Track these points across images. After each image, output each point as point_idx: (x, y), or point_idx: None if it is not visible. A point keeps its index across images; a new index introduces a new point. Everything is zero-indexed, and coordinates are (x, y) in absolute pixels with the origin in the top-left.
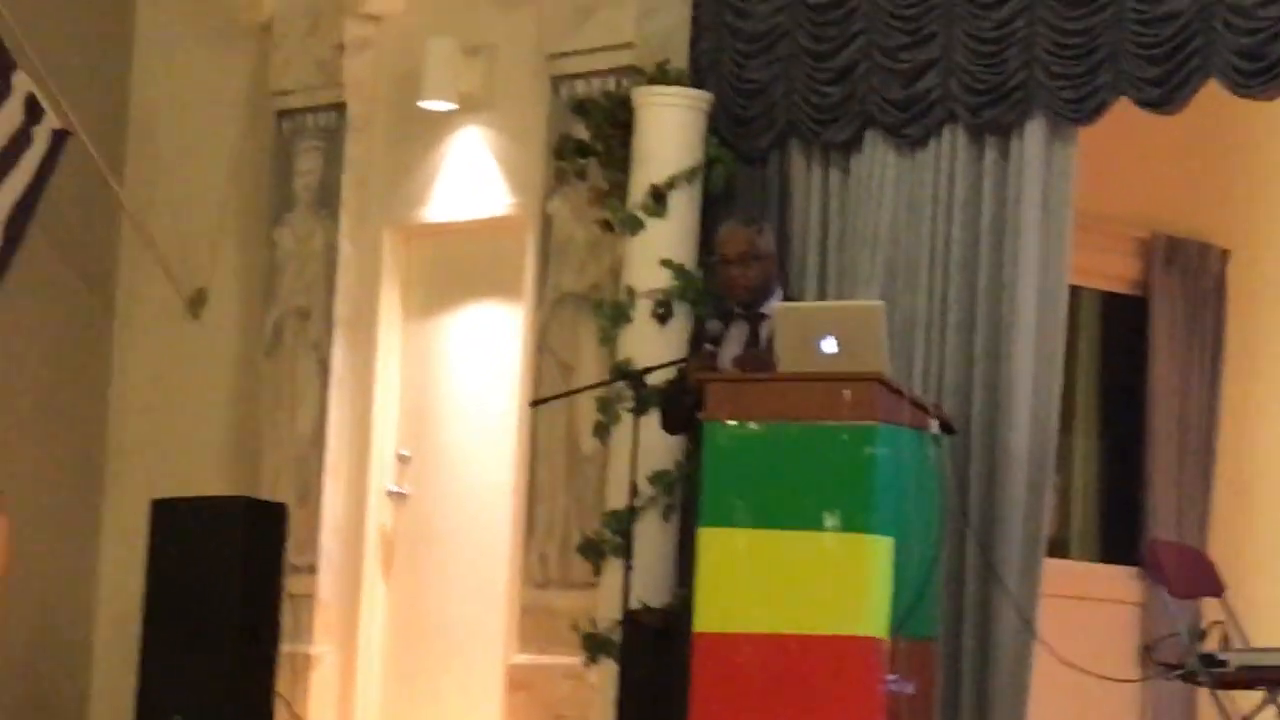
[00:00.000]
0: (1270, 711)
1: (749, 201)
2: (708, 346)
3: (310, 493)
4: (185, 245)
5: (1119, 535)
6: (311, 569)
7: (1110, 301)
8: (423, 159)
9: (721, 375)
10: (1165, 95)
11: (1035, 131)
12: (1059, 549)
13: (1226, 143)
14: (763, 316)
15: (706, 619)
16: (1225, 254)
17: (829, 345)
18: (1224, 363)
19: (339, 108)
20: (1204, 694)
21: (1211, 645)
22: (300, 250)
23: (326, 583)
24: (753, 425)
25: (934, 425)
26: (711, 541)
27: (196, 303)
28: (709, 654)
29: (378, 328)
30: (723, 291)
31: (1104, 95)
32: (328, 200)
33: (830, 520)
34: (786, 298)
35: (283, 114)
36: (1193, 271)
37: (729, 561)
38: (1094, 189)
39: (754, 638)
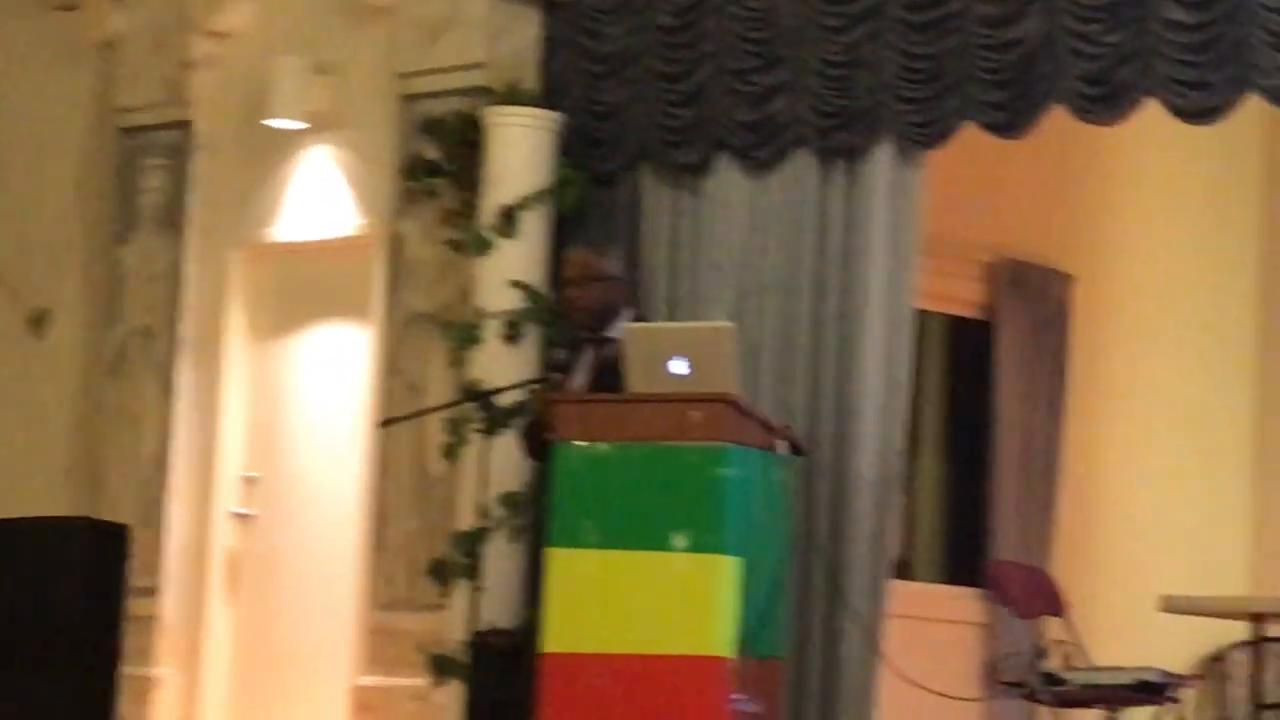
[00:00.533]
0: None
1: (600, 223)
2: (555, 375)
3: (154, 514)
4: (27, 264)
5: (963, 557)
6: (155, 591)
7: (956, 326)
8: (270, 178)
9: (570, 396)
10: (1011, 120)
11: (883, 155)
12: (905, 570)
13: (1071, 168)
14: (609, 340)
15: (555, 639)
16: (1070, 279)
17: (678, 366)
18: (1068, 386)
19: (185, 125)
20: (1046, 713)
21: (1053, 664)
22: (145, 269)
23: (170, 605)
24: (602, 446)
25: (783, 446)
26: (560, 562)
27: (38, 322)
28: (557, 674)
29: (224, 348)
30: (563, 314)
31: (951, 120)
32: (173, 219)
33: (679, 541)
34: (638, 320)
35: (128, 131)
36: (1037, 296)
37: (577, 582)
38: (941, 213)
39: (602, 658)
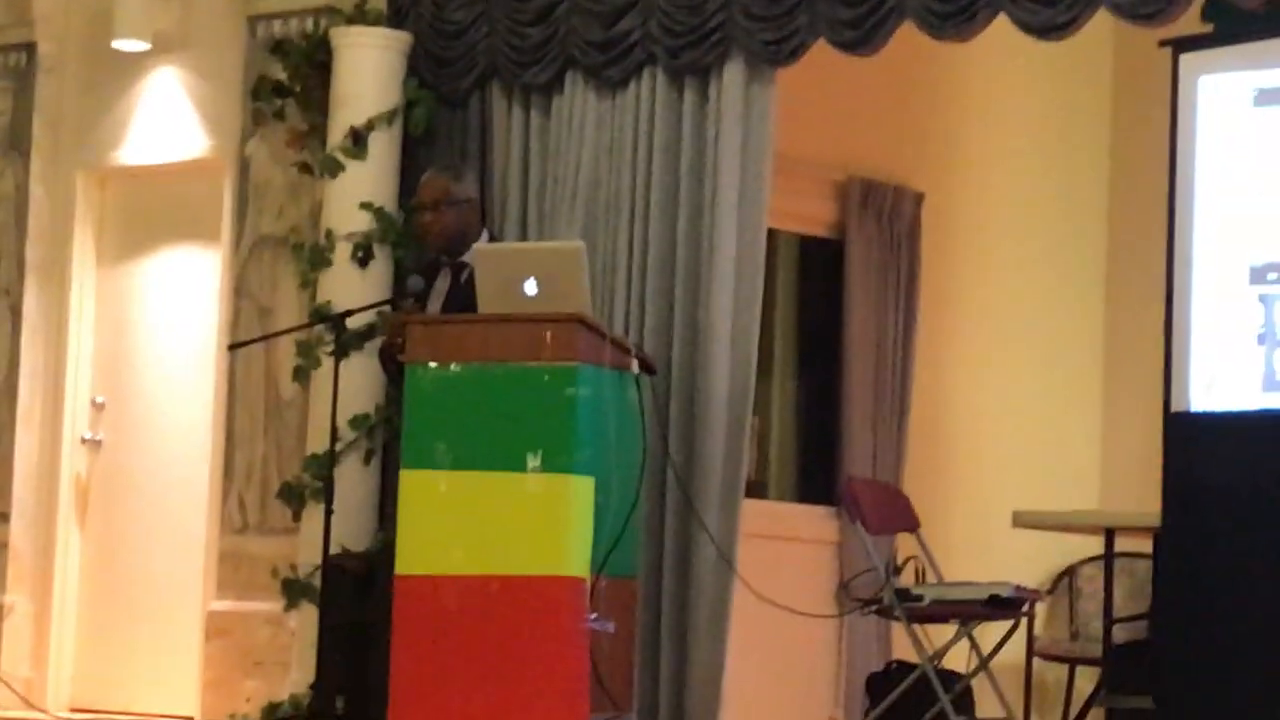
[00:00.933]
0: (963, 645)
1: (449, 144)
2: (410, 303)
3: (2, 440)
4: None
5: (816, 476)
6: (4, 517)
7: (807, 245)
8: (117, 100)
9: (422, 318)
10: (862, 37)
11: (734, 74)
12: (757, 490)
13: (921, 86)
14: (465, 265)
15: (408, 561)
16: (920, 197)
17: (530, 287)
18: (918, 303)
19: (29, 47)
20: (899, 628)
21: (906, 580)
22: None
23: (19, 531)
24: (454, 367)
25: (635, 366)
26: (413, 484)
27: None
28: (410, 596)
29: (71, 272)
30: (417, 238)
31: (802, 37)
32: (18, 142)
33: (532, 461)
34: (493, 242)
35: None
36: (888, 215)
37: (430, 504)
38: (792, 132)
39: (456, 580)
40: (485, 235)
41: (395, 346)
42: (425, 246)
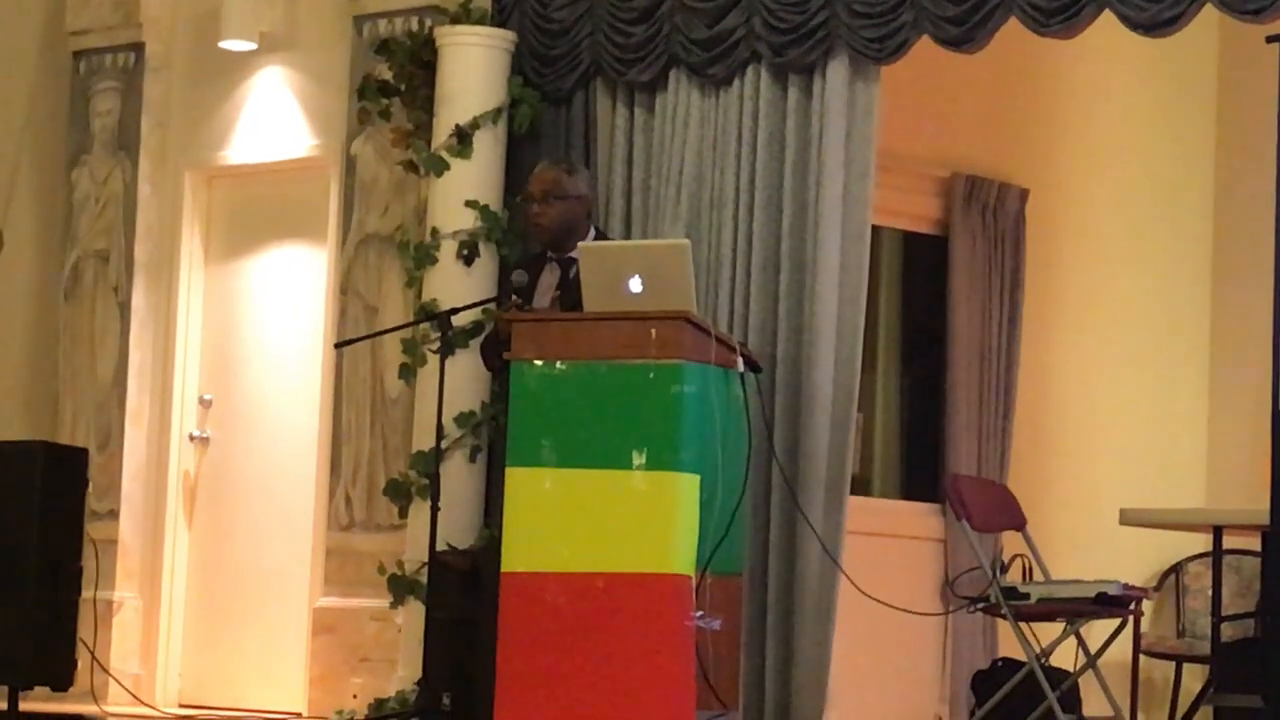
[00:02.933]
0: (1070, 643)
1: (554, 142)
2: (515, 299)
3: (111, 437)
4: None
5: (921, 472)
6: (113, 514)
7: (912, 241)
8: (224, 100)
9: (527, 315)
10: (965, 34)
11: (838, 71)
12: (862, 487)
13: (1026, 82)
14: (573, 261)
15: (514, 559)
16: (1024, 193)
17: (635, 284)
18: (1022, 300)
19: (137, 48)
20: (1005, 626)
21: (1013, 578)
22: (99, 192)
23: (128, 528)
24: (559, 365)
25: (741, 363)
26: (519, 481)
27: None
28: (517, 594)
29: (179, 270)
30: (525, 230)
31: (905, 34)
32: (126, 142)
33: (637, 459)
34: (600, 239)
35: (80, 54)
36: (992, 211)
37: (536, 501)
38: (896, 129)
39: (562, 577)
40: (593, 233)
41: (500, 339)
42: (532, 238)
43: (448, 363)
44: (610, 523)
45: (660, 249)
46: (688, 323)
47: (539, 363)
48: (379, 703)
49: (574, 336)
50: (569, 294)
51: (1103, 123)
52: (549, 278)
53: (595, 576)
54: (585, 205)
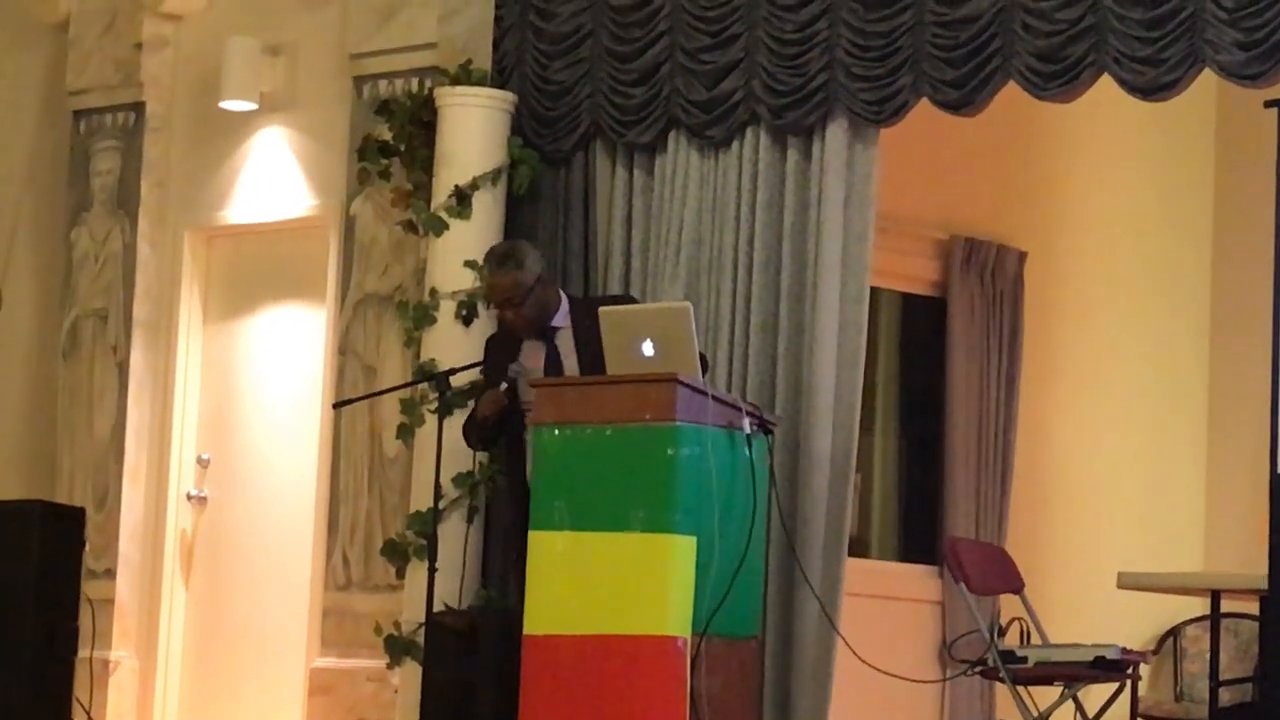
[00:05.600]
0: (1067, 706)
1: (553, 203)
2: (504, 386)
3: (109, 497)
4: None
5: (919, 534)
6: (110, 574)
7: (910, 303)
8: (223, 160)
9: (549, 381)
10: (964, 97)
11: (837, 133)
12: (860, 548)
13: (1024, 145)
14: (555, 329)
15: (533, 621)
16: (1023, 256)
17: (647, 348)
18: (1020, 363)
19: (138, 107)
20: (1003, 689)
21: (1010, 641)
22: (98, 251)
23: (125, 588)
24: (570, 428)
25: (747, 425)
26: (538, 544)
27: None
28: (535, 657)
29: (177, 330)
30: (508, 330)
31: (904, 97)
32: (126, 201)
33: (636, 521)
34: (587, 294)
35: (80, 113)
36: (990, 273)
37: (551, 563)
38: (894, 191)
39: (573, 639)
40: (563, 297)
41: (485, 421)
42: (518, 334)
43: (446, 423)
44: (612, 584)
45: (665, 312)
46: (680, 384)
47: (554, 426)
48: None
49: (584, 401)
50: (555, 360)
51: (1101, 185)
52: (533, 350)
53: (598, 639)
54: (547, 283)
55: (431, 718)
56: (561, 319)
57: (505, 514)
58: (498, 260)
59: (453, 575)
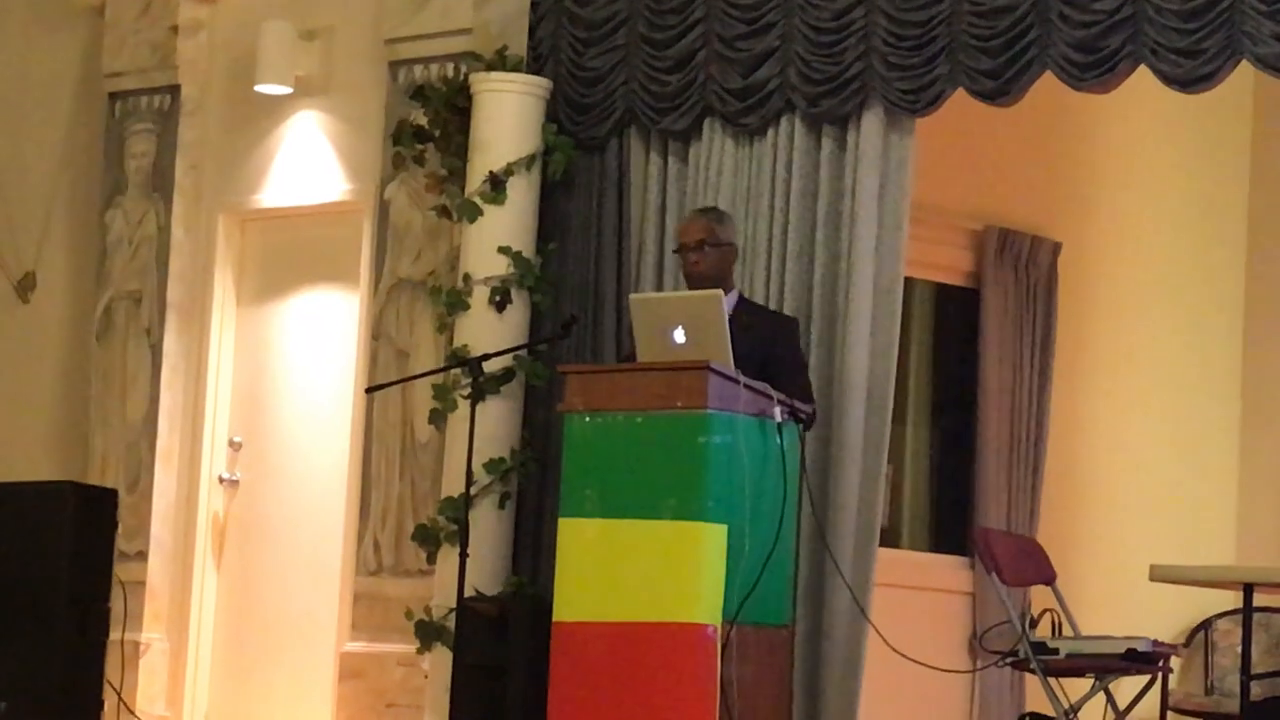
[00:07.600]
0: (1099, 698)
1: (587, 189)
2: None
3: (141, 479)
4: (14, 228)
5: (950, 525)
6: (142, 556)
7: (943, 293)
8: (258, 143)
9: (580, 368)
10: (1000, 87)
11: (872, 122)
12: (891, 539)
13: (1060, 136)
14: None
15: (563, 608)
16: (1057, 247)
17: (679, 335)
18: (1054, 354)
19: (173, 90)
20: (1033, 681)
21: (1042, 633)
22: (132, 234)
23: (157, 570)
24: (602, 416)
25: (778, 414)
26: (567, 531)
27: (25, 286)
28: (565, 643)
29: (211, 313)
30: (686, 277)
31: (940, 86)
32: (161, 184)
33: (667, 508)
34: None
35: (115, 96)
36: (1024, 264)
37: (582, 551)
38: (929, 181)
39: (603, 626)
40: (736, 292)
41: None
42: (689, 284)
43: (478, 409)
44: (643, 572)
45: (696, 300)
46: (713, 372)
47: (585, 413)
48: None
49: (615, 388)
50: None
51: (1136, 177)
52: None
53: (629, 625)
54: (735, 254)
55: (461, 703)
56: (729, 304)
57: None
58: (702, 209)
59: (484, 561)
